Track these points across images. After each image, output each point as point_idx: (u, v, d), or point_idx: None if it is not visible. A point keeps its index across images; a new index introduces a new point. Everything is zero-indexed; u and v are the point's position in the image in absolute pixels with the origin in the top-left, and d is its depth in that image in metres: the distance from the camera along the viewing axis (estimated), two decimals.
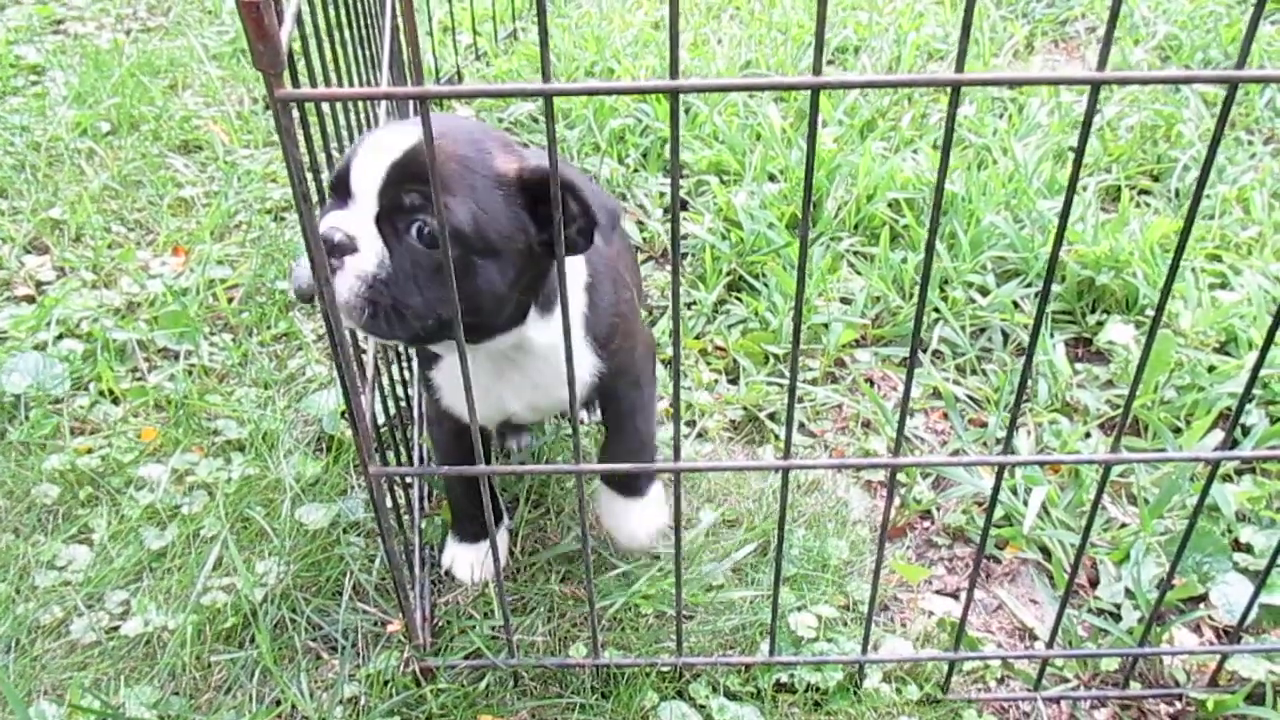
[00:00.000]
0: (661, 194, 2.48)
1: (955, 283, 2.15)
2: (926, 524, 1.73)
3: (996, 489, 1.21)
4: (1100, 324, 2.08)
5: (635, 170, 2.59)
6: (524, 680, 1.44)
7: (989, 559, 1.66)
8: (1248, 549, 1.60)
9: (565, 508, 1.71)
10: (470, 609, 1.53)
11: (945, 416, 1.92)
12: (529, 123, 2.83)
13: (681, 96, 2.64)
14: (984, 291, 2.16)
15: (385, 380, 1.53)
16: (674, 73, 0.85)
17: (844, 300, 2.17)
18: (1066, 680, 1.47)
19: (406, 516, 1.60)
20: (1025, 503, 1.68)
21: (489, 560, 1.53)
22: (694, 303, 2.15)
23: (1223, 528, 1.64)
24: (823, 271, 2.18)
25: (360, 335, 1.33)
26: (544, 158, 0.95)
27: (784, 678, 1.44)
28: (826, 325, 2.06)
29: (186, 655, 1.44)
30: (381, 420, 1.56)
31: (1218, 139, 0.92)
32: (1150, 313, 2.07)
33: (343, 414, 1.81)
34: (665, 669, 1.44)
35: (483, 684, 1.42)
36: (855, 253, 2.29)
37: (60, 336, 2.04)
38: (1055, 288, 2.15)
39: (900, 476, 1.78)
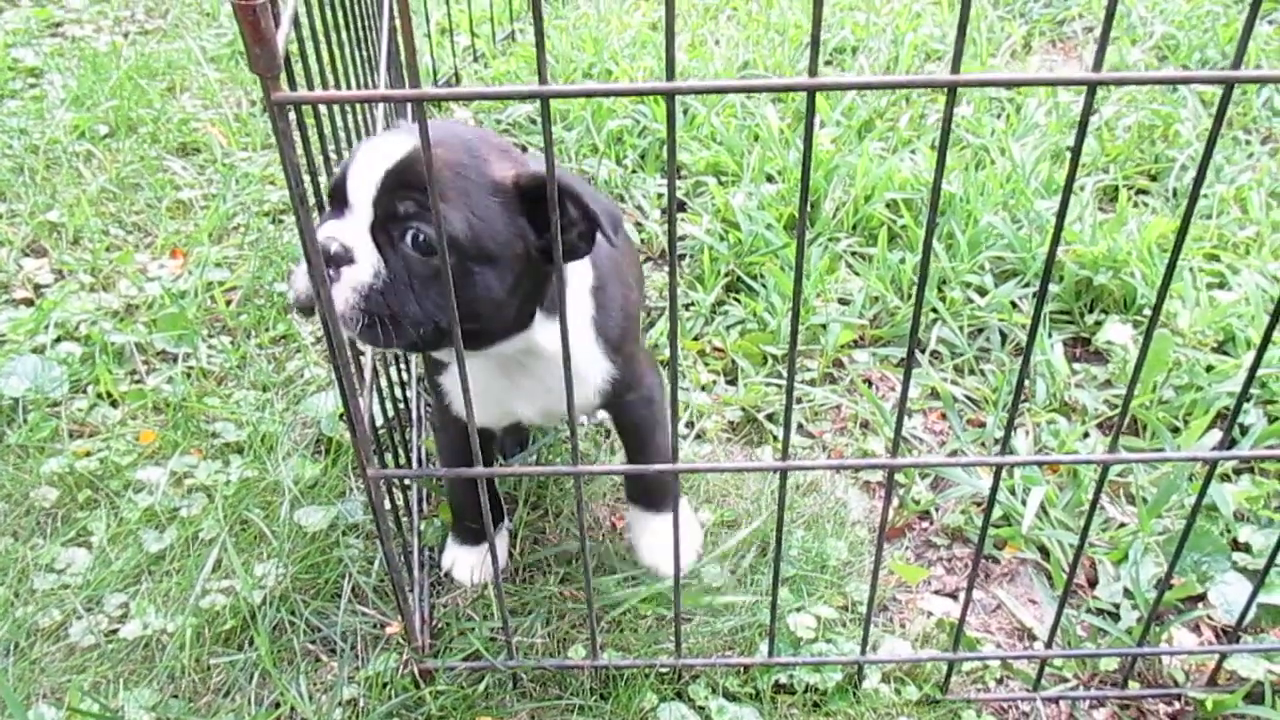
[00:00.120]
0: (659, 195, 2.48)
1: (953, 283, 2.15)
2: (925, 524, 1.73)
3: (995, 489, 1.21)
4: (1098, 324, 2.08)
5: (633, 171, 2.59)
6: (523, 682, 1.44)
7: (988, 559, 1.66)
8: (1246, 548, 1.60)
9: (564, 509, 1.71)
10: (469, 611, 1.53)
11: (943, 417, 1.92)
12: (527, 124, 2.83)
13: (679, 98, 2.64)
14: (982, 292, 2.16)
15: (384, 382, 1.53)
16: (670, 74, 0.85)
17: (842, 301, 2.17)
18: (1065, 680, 1.47)
19: (405, 518, 1.60)
20: (1024, 503, 1.68)
21: (488, 562, 1.53)
22: (692, 304, 2.15)
23: (1221, 527, 1.64)
24: (821, 272, 2.18)
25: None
26: (543, 162, 0.95)
27: (783, 678, 1.44)
28: (825, 326, 2.06)
29: (185, 658, 1.44)
30: (380, 422, 1.56)
31: (1214, 139, 0.92)
32: (1148, 312, 2.08)
33: (341, 416, 1.81)
34: (664, 670, 1.44)
35: (482, 686, 1.42)
36: (853, 253, 2.30)
37: (59, 339, 2.04)
38: (1053, 288, 2.15)
39: (899, 477, 1.78)
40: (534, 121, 2.83)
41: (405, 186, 1.05)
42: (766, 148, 2.57)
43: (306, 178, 0.94)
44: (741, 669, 1.45)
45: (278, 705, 1.40)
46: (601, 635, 1.49)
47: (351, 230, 1.08)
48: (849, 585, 1.57)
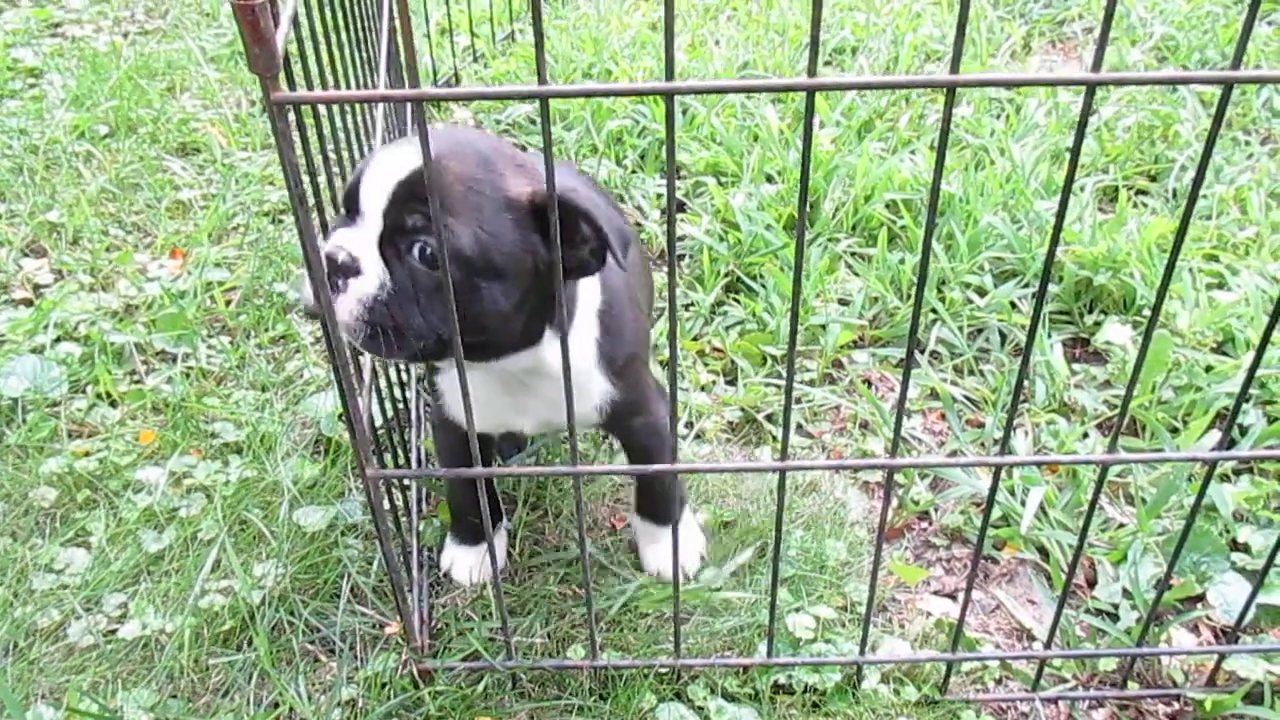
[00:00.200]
0: (659, 195, 2.48)
1: (953, 283, 2.15)
2: (924, 525, 1.73)
3: (994, 489, 1.21)
4: (1098, 324, 2.08)
5: (633, 171, 2.59)
6: (522, 682, 1.44)
7: (987, 559, 1.66)
8: (1245, 549, 1.60)
9: (563, 510, 1.71)
10: (468, 611, 1.53)
11: (943, 417, 1.92)
12: (526, 124, 2.84)
13: (678, 98, 2.64)
14: (981, 292, 2.16)
15: (383, 383, 1.53)
16: (669, 74, 0.85)
17: (842, 301, 2.17)
18: (1064, 680, 1.47)
19: (404, 519, 1.60)
20: (1023, 503, 1.68)
21: (487, 562, 1.53)
22: (692, 304, 2.15)
23: (1220, 527, 1.64)
24: (820, 272, 2.18)
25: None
26: (560, 177, 0.95)
27: (782, 679, 1.44)
28: (824, 326, 2.06)
29: (184, 658, 1.44)
30: (379, 422, 1.56)
31: (1213, 139, 0.92)
32: (1147, 313, 2.07)
33: (340, 416, 1.81)
34: (663, 670, 1.44)
35: (481, 686, 1.42)
36: (853, 254, 2.30)
37: (58, 339, 2.04)
38: (1052, 288, 2.15)
39: (898, 477, 1.78)
40: (533, 121, 2.83)
41: (415, 199, 1.05)
42: (766, 148, 2.57)
43: (306, 178, 0.94)
44: (740, 669, 1.45)
45: (276, 705, 1.40)
46: (601, 635, 1.49)
47: (360, 240, 1.08)
48: (848, 585, 1.57)
